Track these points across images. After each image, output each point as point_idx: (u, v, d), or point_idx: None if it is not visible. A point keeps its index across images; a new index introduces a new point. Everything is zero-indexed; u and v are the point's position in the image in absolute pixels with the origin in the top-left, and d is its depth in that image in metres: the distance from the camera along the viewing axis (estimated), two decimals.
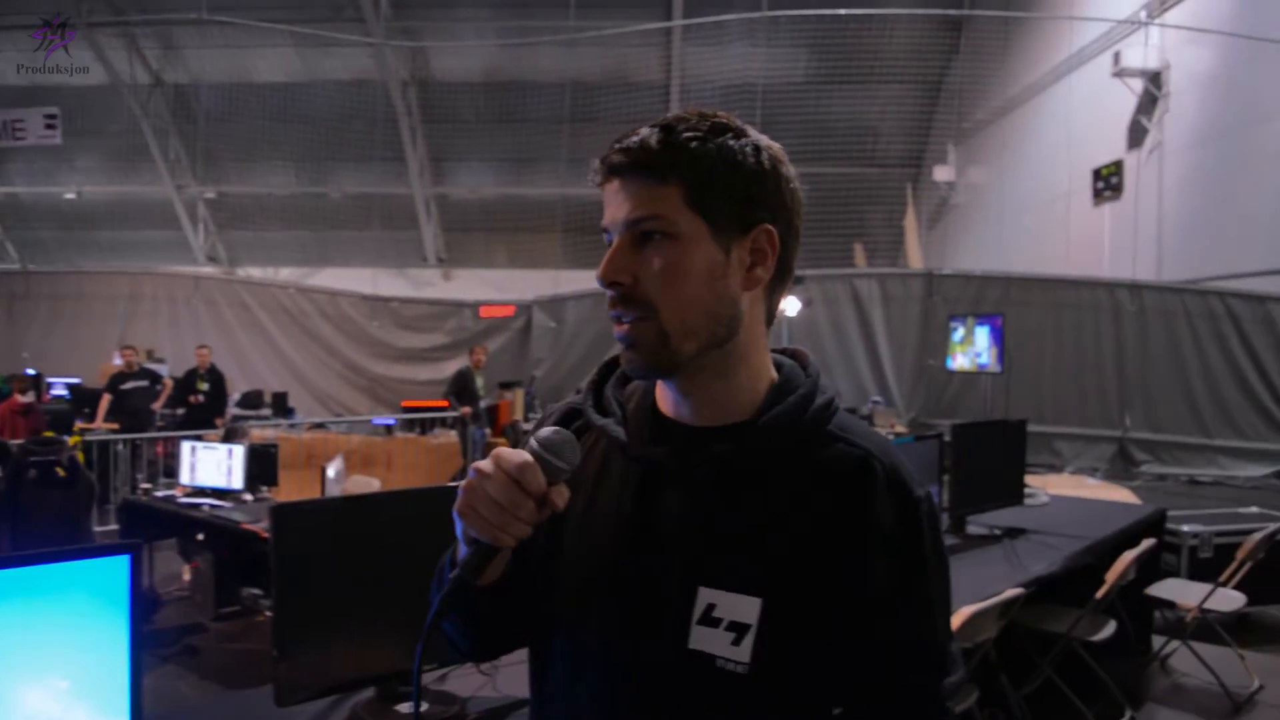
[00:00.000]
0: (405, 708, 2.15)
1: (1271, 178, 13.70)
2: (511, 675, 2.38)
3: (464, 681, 2.36)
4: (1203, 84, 15.18)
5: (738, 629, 1.08)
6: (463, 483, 1.05)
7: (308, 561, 2.06)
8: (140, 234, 20.35)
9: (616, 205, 1.11)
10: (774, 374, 1.18)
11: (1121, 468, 12.41)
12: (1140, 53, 15.93)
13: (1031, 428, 12.36)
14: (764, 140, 1.14)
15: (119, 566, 1.67)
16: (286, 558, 2.04)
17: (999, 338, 11.52)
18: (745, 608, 1.08)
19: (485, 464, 1.05)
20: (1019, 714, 3.96)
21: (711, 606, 1.09)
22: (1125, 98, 16.57)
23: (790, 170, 1.15)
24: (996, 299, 12.85)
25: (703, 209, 1.09)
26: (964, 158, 22.42)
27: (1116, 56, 16.14)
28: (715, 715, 1.10)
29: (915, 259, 20.50)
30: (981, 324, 11.87)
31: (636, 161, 1.09)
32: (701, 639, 1.09)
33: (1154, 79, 16.07)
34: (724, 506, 1.12)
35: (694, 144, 1.09)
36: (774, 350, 1.22)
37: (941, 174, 22.04)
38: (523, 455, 1.04)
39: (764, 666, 1.08)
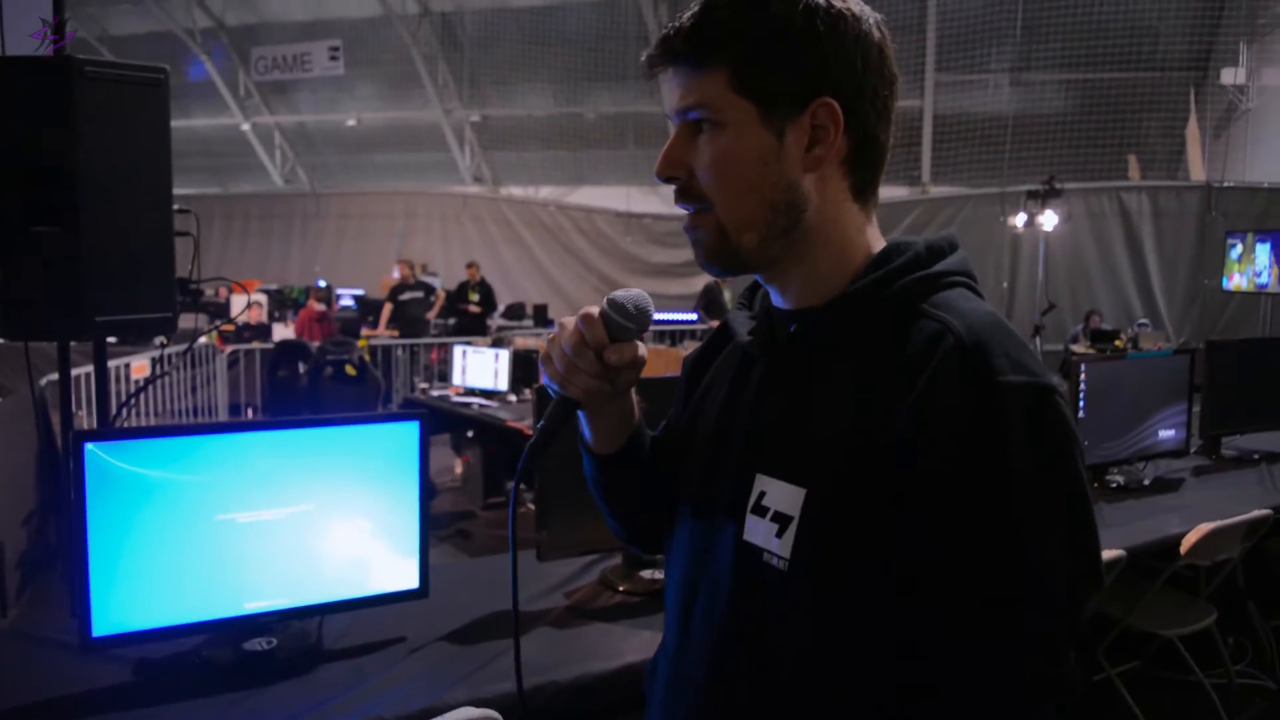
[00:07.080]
0: (647, 574, 2.40)
1: None
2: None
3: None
4: None
5: (781, 520, 0.99)
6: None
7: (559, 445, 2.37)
8: (413, 156, 21.61)
9: (668, 94, 1.06)
10: (873, 252, 1.06)
11: None
12: None
13: None
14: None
15: (411, 431, 1.99)
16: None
17: None
18: (790, 497, 0.99)
19: (569, 318, 1.09)
20: (1267, 645, 3.83)
21: (763, 494, 1.02)
22: None
23: (862, 27, 1.00)
24: None
25: (749, 91, 0.99)
26: (1258, 58, 20.33)
27: None
28: (764, 613, 1.02)
29: (1198, 171, 18.90)
30: (1262, 241, 10.94)
31: (674, 50, 1.03)
32: (753, 530, 1.02)
33: None
34: (792, 390, 1.05)
35: (732, 22, 0.99)
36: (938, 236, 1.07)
37: (1230, 77, 20.11)
38: (592, 310, 1.08)
39: (803, 564, 0.97)
